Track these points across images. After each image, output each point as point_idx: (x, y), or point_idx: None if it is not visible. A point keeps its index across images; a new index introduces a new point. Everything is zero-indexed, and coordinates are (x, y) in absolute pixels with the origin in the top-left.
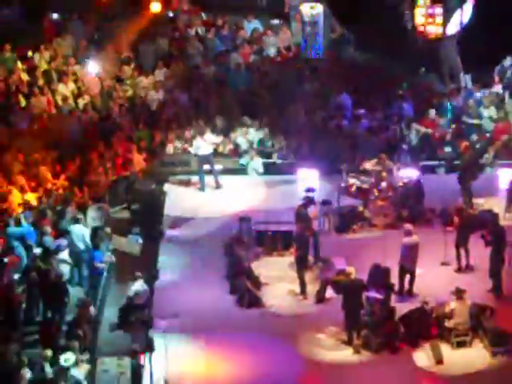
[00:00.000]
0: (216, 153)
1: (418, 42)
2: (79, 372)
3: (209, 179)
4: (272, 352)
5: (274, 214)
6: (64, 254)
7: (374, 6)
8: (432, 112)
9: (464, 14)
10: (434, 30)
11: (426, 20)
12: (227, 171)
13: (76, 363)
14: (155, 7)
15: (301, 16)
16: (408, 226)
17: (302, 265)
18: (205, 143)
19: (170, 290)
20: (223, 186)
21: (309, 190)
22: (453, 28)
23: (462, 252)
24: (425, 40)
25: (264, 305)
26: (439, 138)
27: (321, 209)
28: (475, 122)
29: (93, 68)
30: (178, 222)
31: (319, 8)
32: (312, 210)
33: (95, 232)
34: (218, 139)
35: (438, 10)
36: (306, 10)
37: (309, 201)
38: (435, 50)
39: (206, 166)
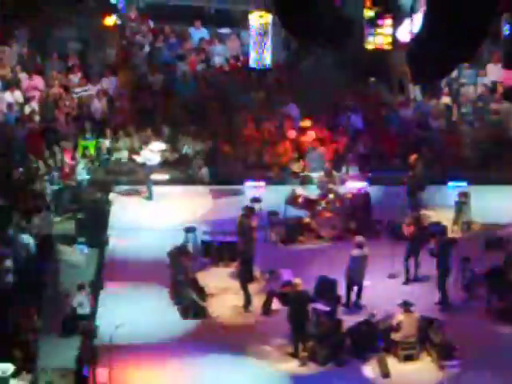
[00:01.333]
0: (164, 162)
1: (367, 52)
2: (19, 383)
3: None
4: (218, 363)
5: (221, 224)
6: (8, 263)
7: (325, 18)
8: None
9: (414, 25)
10: (382, 41)
11: (375, 30)
12: (174, 181)
13: (16, 374)
14: (109, 20)
15: (250, 25)
16: (360, 239)
17: (244, 277)
18: (152, 153)
19: (114, 301)
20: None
21: (254, 199)
22: (401, 38)
23: (411, 264)
24: (374, 51)
25: (210, 316)
26: (389, 149)
27: (267, 220)
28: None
29: (38, 76)
30: (124, 232)
31: (268, 17)
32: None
33: (42, 240)
34: (164, 147)
35: (388, 20)
36: (255, 18)
37: (250, 211)
38: (384, 61)
39: (154, 176)
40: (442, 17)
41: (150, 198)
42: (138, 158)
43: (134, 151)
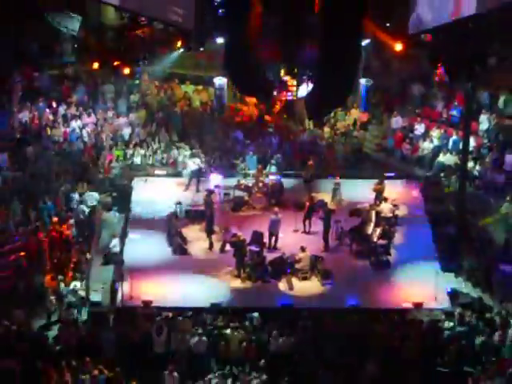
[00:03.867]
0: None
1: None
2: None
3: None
4: (193, 280)
5: (196, 200)
6: (71, 221)
7: (257, 81)
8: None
9: (308, 87)
10: (289, 95)
11: (284, 88)
12: (170, 175)
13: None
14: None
15: (214, 83)
16: (276, 209)
17: (209, 231)
18: (194, 164)
19: (134, 243)
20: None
21: (216, 186)
22: (301, 93)
23: (307, 224)
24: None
25: (189, 253)
26: (294, 157)
27: (223, 197)
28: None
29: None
30: (139, 204)
31: (223, 80)
32: (215, 198)
33: (92, 208)
34: (199, 161)
35: (294, 82)
36: (217, 80)
37: (210, 192)
38: (291, 106)
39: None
40: (323, 83)
41: (197, 190)
42: (188, 167)
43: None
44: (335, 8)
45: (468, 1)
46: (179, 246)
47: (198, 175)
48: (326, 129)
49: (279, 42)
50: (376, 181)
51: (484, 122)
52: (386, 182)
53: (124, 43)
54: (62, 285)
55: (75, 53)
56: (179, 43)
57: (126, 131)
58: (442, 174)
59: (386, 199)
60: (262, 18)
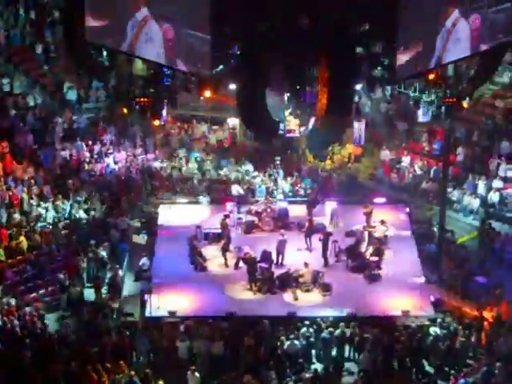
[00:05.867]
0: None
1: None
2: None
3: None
4: (212, 293)
5: (213, 223)
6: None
7: (263, 121)
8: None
9: (309, 125)
10: (293, 134)
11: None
12: (191, 203)
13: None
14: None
15: (228, 123)
16: (282, 231)
17: (224, 250)
18: (238, 189)
19: (160, 262)
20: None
21: (230, 211)
22: (303, 132)
23: (308, 242)
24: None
25: (208, 270)
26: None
27: (236, 220)
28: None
29: (122, 150)
30: (165, 227)
31: (235, 120)
32: (229, 222)
33: (123, 231)
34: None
35: (297, 121)
36: (230, 120)
37: (227, 216)
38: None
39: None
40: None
41: (238, 212)
42: (233, 191)
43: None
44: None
45: (449, 49)
46: (199, 263)
47: (239, 200)
48: (328, 161)
49: (284, 88)
50: (365, 204)
51: (461, 153)
52: (376, 206)
53: (151, 90)
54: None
55: (108, 99)
56: (198, 89)
57: (154, 165)
58: (425, 199)
59: (382, 222)
60: (269, 67)
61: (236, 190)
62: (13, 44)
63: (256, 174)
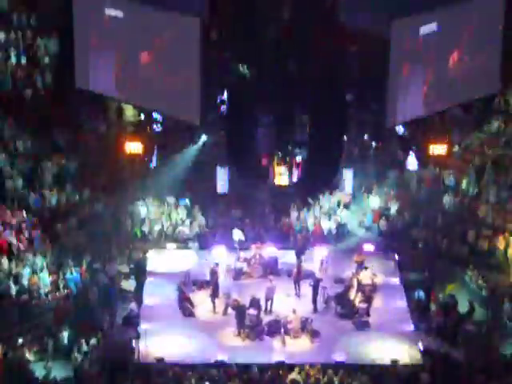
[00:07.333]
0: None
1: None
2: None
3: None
4: (200, 339)
5: (202, 270)
6: (94, 290)
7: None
8: None
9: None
10: (282, 181)
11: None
12: (180, 248)
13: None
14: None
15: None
16: (271, 277)
17: (213, 296)
18: (239, 236)
19: (148, 310)
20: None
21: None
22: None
23: (297, 288)
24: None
25: (196, 316)
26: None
27: (225, 267)
28: None
29: None
30: (154, 273)
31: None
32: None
33: (111, 279)
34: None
35: (284, 169)
36: (219, 168)
37: (217, 264)
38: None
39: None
40: (312, 171)
41: (238, 258)
42: (234, 237)
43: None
44: (323, 110)
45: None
46: (188, 309)
47: (240, 245)
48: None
49: (273, 136)
50: (357, 253)
51: (449, 201)
52: (365, 253)
53: (141, 135)
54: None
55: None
56: (186, 136)
57: (142, 212)
58: (414, 247)
59: (366, 268)
60: (257, 116)
61: (238, 235)
62: (3, 89)
63: (247, 220)
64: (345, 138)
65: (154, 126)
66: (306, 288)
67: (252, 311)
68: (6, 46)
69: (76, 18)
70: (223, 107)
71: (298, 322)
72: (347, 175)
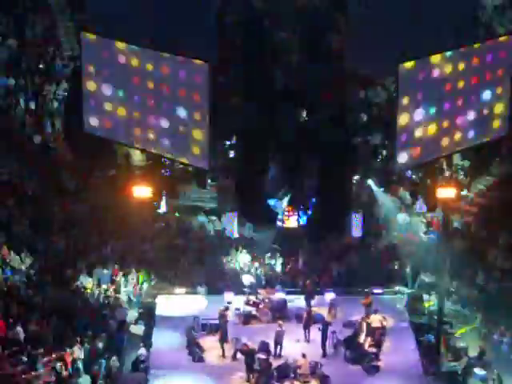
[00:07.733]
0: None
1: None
2: None
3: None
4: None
5: (211, 314)
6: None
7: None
8: None
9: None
10: (290, 224)
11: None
12: (188, 293)
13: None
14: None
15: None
16: (280, 322)
17: (222, 341)
18: (248, 279)
19: (157, 353)
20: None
21: (228, 302)
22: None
23: (307, 333)
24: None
25: (205, 361)
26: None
27: (234, 312)
28: None
29: None
30: (163, 318)
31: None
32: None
33: (121, 323)
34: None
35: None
36: (226, 214)
37: (226, 308)
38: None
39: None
40: (321, 213)
41: (247, 302)
42: (245, 281)
43: None
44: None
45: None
46: (197, 354)
47: (249, 289)
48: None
49: (282, 179)
50: (364, 296)
51: (457, 244)
52: (375, 297)
53: (150, 180)
54: None
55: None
56: (196, 180)
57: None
58: (423, 290)
59: (375, 312)
60: (266, 161)
61: (248, 280)
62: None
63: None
64: (353, 181)
65: (162, 171)
66: (316, 332)
67: (261, 356)
68: (15, 91)
69: (84, 63)
70: (231, 152)
71: (307, 366)
72: (356, 218)
